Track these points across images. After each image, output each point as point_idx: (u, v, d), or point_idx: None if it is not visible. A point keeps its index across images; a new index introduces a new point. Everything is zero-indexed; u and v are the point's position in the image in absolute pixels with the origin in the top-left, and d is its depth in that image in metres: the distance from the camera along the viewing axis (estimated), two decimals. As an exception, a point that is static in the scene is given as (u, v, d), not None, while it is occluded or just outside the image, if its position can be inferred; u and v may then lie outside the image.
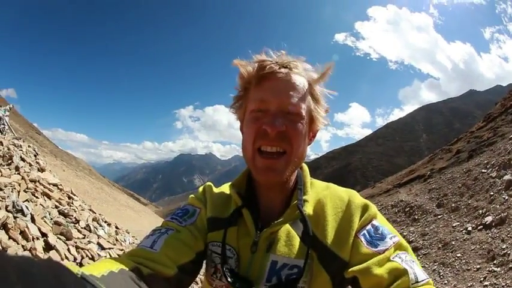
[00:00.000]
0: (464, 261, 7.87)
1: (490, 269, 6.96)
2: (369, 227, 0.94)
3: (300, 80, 0.98)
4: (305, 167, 1.10)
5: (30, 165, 7.57)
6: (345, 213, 0.97)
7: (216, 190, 1.17)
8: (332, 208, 0.99)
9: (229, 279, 0.92)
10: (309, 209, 0.99)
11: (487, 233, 8.34)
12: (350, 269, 0.88)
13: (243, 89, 1.04)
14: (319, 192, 1.05)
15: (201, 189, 1.19)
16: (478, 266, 7.32)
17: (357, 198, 1.01)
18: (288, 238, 0.95)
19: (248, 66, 1.00)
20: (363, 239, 0.91)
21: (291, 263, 0.92)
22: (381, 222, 0.96)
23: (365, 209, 0.98)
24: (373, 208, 0.99)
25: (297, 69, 0.98)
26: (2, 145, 7.66)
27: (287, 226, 0.97)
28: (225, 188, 1.15)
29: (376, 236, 0.91)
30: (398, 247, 0.89)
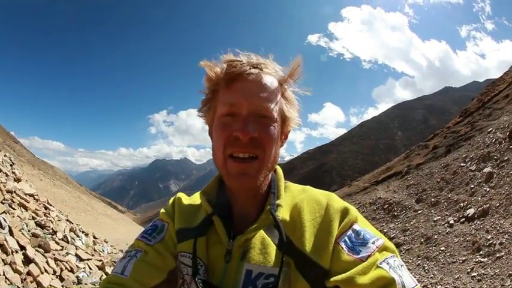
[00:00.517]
0: (448, 254, 8.04)
1: (477, 260, 7.14)
2: (349, 232, 0.89)
3: (271, 81, 0.94)
4: (279, 170, 1.06)
5: (7, 175, 7.48)
6: (323, 218, 0.92)
7: (186, 200, 1.13)
8: (309, 213, 0.94)
9: None
10: (284, 214, 0.94)
11: (470, 225, 8.57)
12: (332, 279, 0.82)
13: (211, 91, 0.99)
14: (295, 196, 1.00)
15: (170, 201, 1.15)
16: (464, 258, 7.50)
17: (336, 202, 0.96)
18: (263, 246, 0.91)
19: (216, 67, 0.95)
20: (343, 245, 0.87)
21: (267, 271, 0.88)
22: (362, 225, 0.91)
23: (345, 213, 0.93)
24: (354, 211, 0.94)
25: (268, 69, 0.95)
26: None
27: (262, 233, 0.93)
28: (196, 197, 1.12)
29: (357, 242, 0.87)
30: (383, 250, 0.85)
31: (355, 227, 0.90)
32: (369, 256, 0.82)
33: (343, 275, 0.80)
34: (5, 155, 8.53)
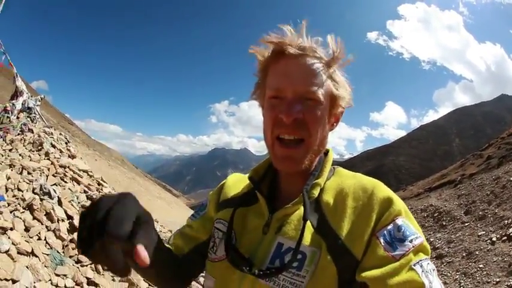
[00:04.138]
0: (485, 272, 7.60)
1: (509, 283, 6.68)
2: (390, 226, 0.84)
3: (317, 63, 0.93)
4: (330, 153, 1.06)
5: (61, 151, 7.74)
6: (365, 206, 0.89)
7: (237, 177, 1.21)
8: (353, 199, 0.91)
9: (227, 253, 0.97)
10: (328, 197, 0.94)
11: (510, 245, 8.01)
12: (363, 274, 0.80)
13: (261, 75, 1.02)
14: (343, 181, 0.97)
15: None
16: (498, 279, 7.05)
17: (381, 191, 0.91)
18: (299, 223, 0.90)
19: (265, 51, 0.98)
20: (382, 239, 0.82)
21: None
22: (405, 220, 0.86)
23: (387, 204, 0.87)
24: (398, 204, 0.88)
25: (313, 51, 0.93)
26: (33, 132, 7.91)
27: (301, 211, 0.91)
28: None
29: (396, 237, 0.82)
30: (419, 251, 0.82)
31: (398, 221, 0.85)
32: (404, 255, 0.79)
33: (374, 273, 0.79)
34: (60, 134, 9.00)
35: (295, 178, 1.00)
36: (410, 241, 0.81)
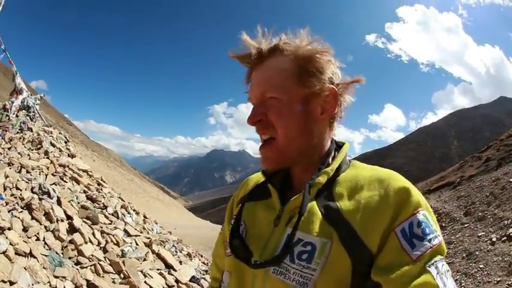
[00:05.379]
0: (486, 272, 7.60)
1: (510, 282, 6.68)
2: (410, 220, 0.81)
3: (276, 62, 0.95)
4: (345, 145, 1.04)
5: (60, 150, 7.72)
6: (381, 197, 0.86)
7: (254, 175, 1.23)
8: (368, 190, 0.89)
9: (230, 246, 1.01)
10: (341, 188, 0.92)
11: (510, 245, 8.03)
12: (378, 274, 0.79)
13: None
14: (359, 173, 0.95)
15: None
16: (499, 279, 7.06)
17: (398, 181, 0.88)
18: (309, 214, 0.90)
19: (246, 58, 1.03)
20: (400, 235, 0.80)
21: (306, 239, 0.87)
22: (426, 214, 0.84)
23: (405, 195, 0.85)
24: (416, 195, 0.85)
25: (276, 51, 0.96)
26: (32, 131, 7.90)
27: (312, 203, 0.92)
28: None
29: (415, 234, 0.80)
30: (436, 251, 0.80)
31: (419, 215, 0.82)
32: (421, 256, 0.78)
33: (389, 274, 0.78)
34: (60, 133, 8.94)
35: (305, 170, 1.00)
36: (429, 240, 0.80)
